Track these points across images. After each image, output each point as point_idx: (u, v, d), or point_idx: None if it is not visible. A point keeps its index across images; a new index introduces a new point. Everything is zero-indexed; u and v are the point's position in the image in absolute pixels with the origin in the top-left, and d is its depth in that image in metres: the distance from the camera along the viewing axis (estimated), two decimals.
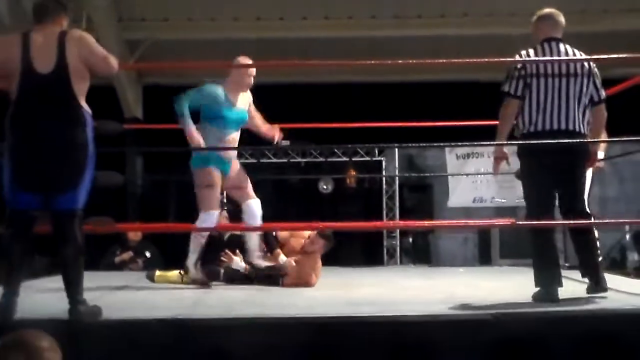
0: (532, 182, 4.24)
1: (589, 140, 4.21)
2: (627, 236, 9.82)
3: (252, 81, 5.31)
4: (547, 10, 4.36)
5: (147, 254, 8.15)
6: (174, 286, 5.26)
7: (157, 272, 5.66)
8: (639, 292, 4.36)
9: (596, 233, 5.95)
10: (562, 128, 4.10)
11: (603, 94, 4.27)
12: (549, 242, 4.21)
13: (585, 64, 4.17)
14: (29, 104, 3.50)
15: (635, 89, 5.17)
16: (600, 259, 4.31)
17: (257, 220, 5.22)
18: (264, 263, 5.36)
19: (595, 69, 4.24)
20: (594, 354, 3.32)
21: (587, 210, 4.44)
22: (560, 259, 4.84)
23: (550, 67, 4.11)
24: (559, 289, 4.08)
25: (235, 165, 5.35)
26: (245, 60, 5.29)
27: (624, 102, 5.70)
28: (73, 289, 3.49)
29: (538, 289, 4.12)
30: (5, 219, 3.54)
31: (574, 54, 4.19)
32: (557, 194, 4.28)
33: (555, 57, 4.15)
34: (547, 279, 4.10)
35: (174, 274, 5.52)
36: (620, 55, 4.57)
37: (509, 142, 4.32)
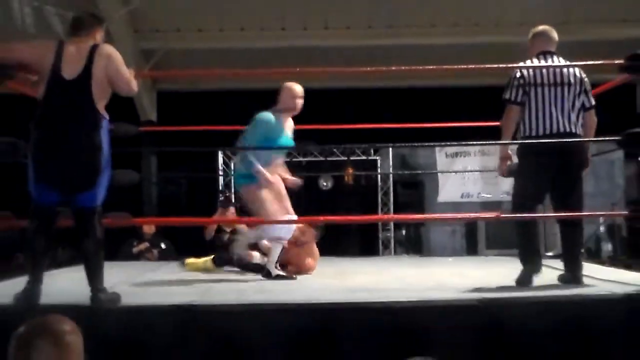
0: (527, 179, 4.26)
1: (569, 140, 4.22)
2: (602, 228, 9.83)
3: (302, 104, 5.07)
4: (541, 27, 4.44)
5: (162, 245, 8.21)
6: (187, 275, 5.25)
7: (187, 260, 5.72)
8: (613, 279, 4.35)
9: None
10: (560, 131, 4.17)
11: (593, 101, 4.36)
12: (532, 232, 4.32)
13: (577, 73, 4.25)
14: (52, 106, 3.50)
15: (610, 93, 5.17)
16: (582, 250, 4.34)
17: (285, 234, 5.01)
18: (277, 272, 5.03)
19: (586, 78, 4.32)
20: (572, 335, 3.32)
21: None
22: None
23: (547, 76, 4.20)
24: (541, 274, 4.19)
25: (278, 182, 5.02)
26: (294, 87, 5.03)
27: (599, 105, 5.70)
28: (94, 278, 3.50)
29: (521, 271, 4.20)
30: (29, 213, 3.55)
31: (566, 68, 4.24)
32: (550, 191, 4.31)
33: (550, 68, 4.22)
34: (529, 264, 4.19)
35: (202, 260, 5.60)
36: (605, 62, 4.58)
37: (496, 142, 4.39)
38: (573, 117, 4.22)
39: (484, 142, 4.37)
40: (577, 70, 4.28)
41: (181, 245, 8.36)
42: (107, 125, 3.62)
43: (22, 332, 1.92)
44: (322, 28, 10.16)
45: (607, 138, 4.49)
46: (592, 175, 9.89)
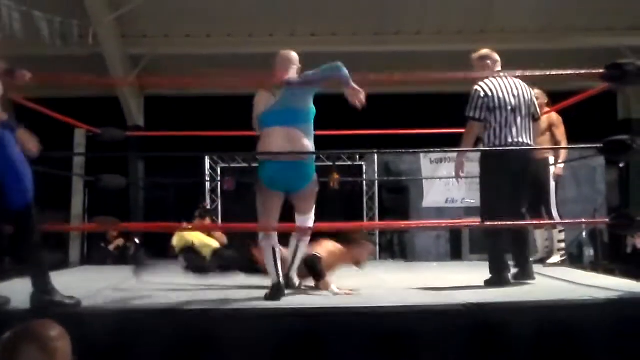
0: (491, 185, 4.55)
1: (552, 147, 4.31)
2: (584, 234, 9.89)
3: None
4: (485, 50, 4.77)
5: (136, 240, 8.47)
6: (173, 279, 5.20)
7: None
8: (595, 285, 4.38)
9: (557, 232, 6.12)
10: (521, 141, 4.52)
11: (539, 112, 4.82)
12: (501, 237, 4.54)
13: (529, 92, 4.65)
14: None
15: (592, 100, 5.23)
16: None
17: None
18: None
19: (533, 93, 4.72)
20: (554, 339, 3.34)
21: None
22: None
23: (507, 96, 4.52)
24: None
25: None
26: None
27: (579, 112, 5.75)
28: (35, 280, 3.44)
29: (491, 275, 4.45)
30: None
31: (517, 83, 4.60)
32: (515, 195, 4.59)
33: (509, 88, 4.56)
34: (499, 267, 4.46)
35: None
36: (586, 72, 4.68)
37: (479, 149, 4.51)
38: (527, 130, 4.57)
39: (467, 149, 4.43)
40: (528, 89, 4.64)
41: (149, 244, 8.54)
42: None
43: (8, 337, 1.90)
44: (308, 34, 10.18)
45: (588, 145, 4.54)
46: (574, 181, 9.97)
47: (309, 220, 4.39)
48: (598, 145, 4.21)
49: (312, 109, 4.31)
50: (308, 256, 4.39)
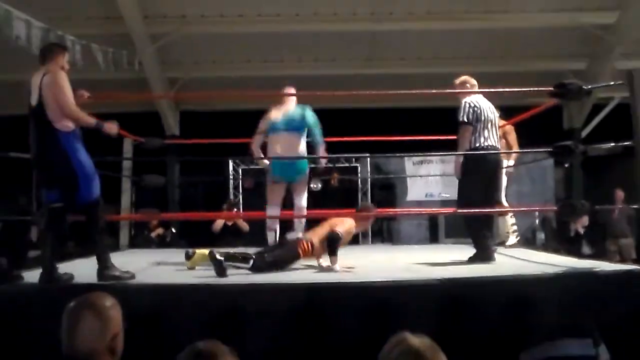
0: (471, 179, 4.56)
1: (513, 151, 4.30)
2: (537, 221, 9.88)
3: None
4: (464, 77, 4.87)
5: (173, 230, 8.53)
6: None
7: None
8: (545, 262, 4.39)
9: (509, 218, 6.13)
10: (495, 145, 4.65)
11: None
12: (481, 222, 4.55)
13: (494, 109, 4.78)
14: (28, 128, 3.53)
15: (543, 114, 5.24)
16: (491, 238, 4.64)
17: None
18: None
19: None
20: (513, 306, 3.33)
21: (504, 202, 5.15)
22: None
23: (486, 109, 4.65)
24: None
25: None
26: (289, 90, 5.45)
27: (533, 123, 5.76)
28: (100, 258, 3.53)
29: (475, 251, 4.45)
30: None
31: (488, 102, 4.74)
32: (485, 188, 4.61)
33: (487, 104, 4.70)
34: (482, 245, 4.48)
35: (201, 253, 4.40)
36: (539, 89, 4.74)
37: (450, 153, 4.51)
38: (497, 137, 4.74)
39: (443, 153, 4.47)
40: (493, 107, 4.79)
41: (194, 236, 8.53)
42: (72, 137, 3.49)
43: (72, 306, 1.92)
44: (312, 60, 10.23)
45: (541, 150, 4.56)
46: (528, 178, 9.96)
47: (304, 198, 5.38)
48: (548, 150, 4.22)
49: (306, 126, 5.24)
50: (332, 232, 4.31)
